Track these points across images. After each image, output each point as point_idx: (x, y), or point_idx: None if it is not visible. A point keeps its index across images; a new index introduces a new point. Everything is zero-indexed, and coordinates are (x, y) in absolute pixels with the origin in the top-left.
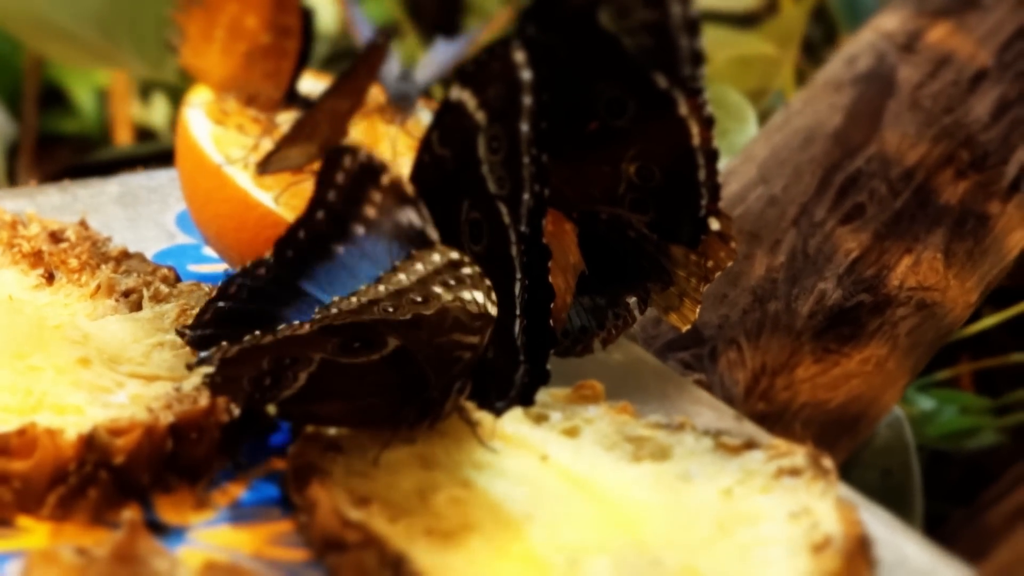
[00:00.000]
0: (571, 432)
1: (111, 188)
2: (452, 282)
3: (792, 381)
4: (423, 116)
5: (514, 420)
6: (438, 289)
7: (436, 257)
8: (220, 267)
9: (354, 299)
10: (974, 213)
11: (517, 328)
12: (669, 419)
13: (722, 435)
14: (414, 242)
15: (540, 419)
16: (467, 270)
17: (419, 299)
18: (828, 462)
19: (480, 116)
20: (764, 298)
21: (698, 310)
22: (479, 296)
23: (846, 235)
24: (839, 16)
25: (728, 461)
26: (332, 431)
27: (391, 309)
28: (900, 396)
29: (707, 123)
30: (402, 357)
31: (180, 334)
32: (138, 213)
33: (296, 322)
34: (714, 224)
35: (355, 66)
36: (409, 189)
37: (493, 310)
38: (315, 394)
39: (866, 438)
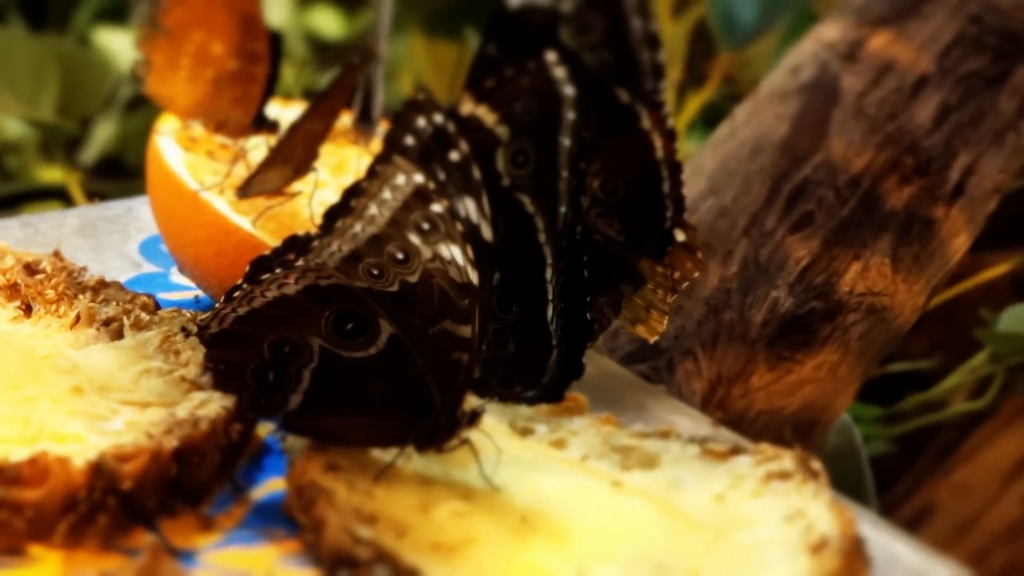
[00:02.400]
0: (558, 444)
1: (71, 220)
2: (426, 226)
3: (748, 389)
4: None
5: (502, 434)
6: (414, 238)
7: (400, 179)
8: (190, 294)
9: (335, 245)
10: (919, 218)
11: (550, 313)
12: (653, 428)
13: (708, 442)
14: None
15: (526, 432)
16: (436, 207)
17: (400, 256)
18: (817, 464)
19: (501, 131)
20: (718, 308)
21: (665, 321)
22: (457, 254)
23: (796, 243)
24: (718, 33)
25: (716, 467)
26: (333, 451)
27: (376, 272)
28: (852, 401)
29: (670, 136)
30: (400, 354)
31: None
32: (101, 244)
33: (279, 270)
34: (679, 236)
35: (331, 87)
36: (476, 175)
37: (473, 276)
38: (321, 403)
39: (817, 444)
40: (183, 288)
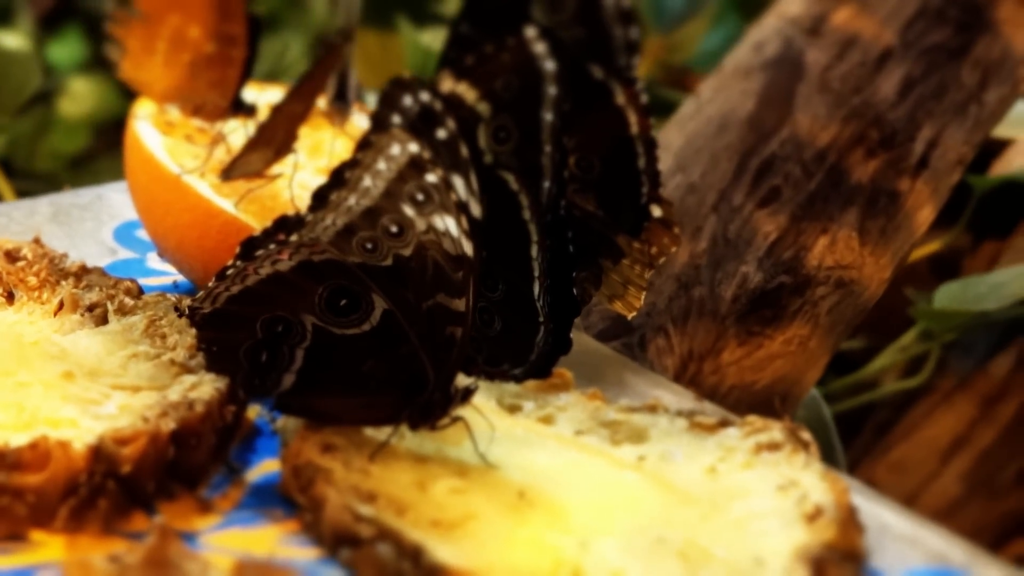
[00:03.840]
0: (546, 420)
1: (43, 208)
2: (420, 196)
3: (719, 365)
4: (358, 120)
5: (491, 412)
6: (409, 210)
7: (395, 149)
8: (168, 279)
9: (330, 219)
10: (885, 191)
11: (537, 289)
12: (640, 402)
13: (695, 415)
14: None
15: (513, 409)
16: (431, 177)
17: (394, 229)
18: (807, 435)
19: (483, 107)
20: (688, 284)
21: (643, 296)
22: (451, 225)
23: (764, 218)
24: (647, 18)
25: (705, 440)
26: (327, 431)
27: (370, 247)
28: (821, 374)
29: (644, 112)
30: (393, 330)
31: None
32: (74, 231)
33: (272, 246)
34: (656, 211)
35: (312, 69)
36: (464, 152)
37: (468, 247)
38: (314, 382)
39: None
40: (161, 273)
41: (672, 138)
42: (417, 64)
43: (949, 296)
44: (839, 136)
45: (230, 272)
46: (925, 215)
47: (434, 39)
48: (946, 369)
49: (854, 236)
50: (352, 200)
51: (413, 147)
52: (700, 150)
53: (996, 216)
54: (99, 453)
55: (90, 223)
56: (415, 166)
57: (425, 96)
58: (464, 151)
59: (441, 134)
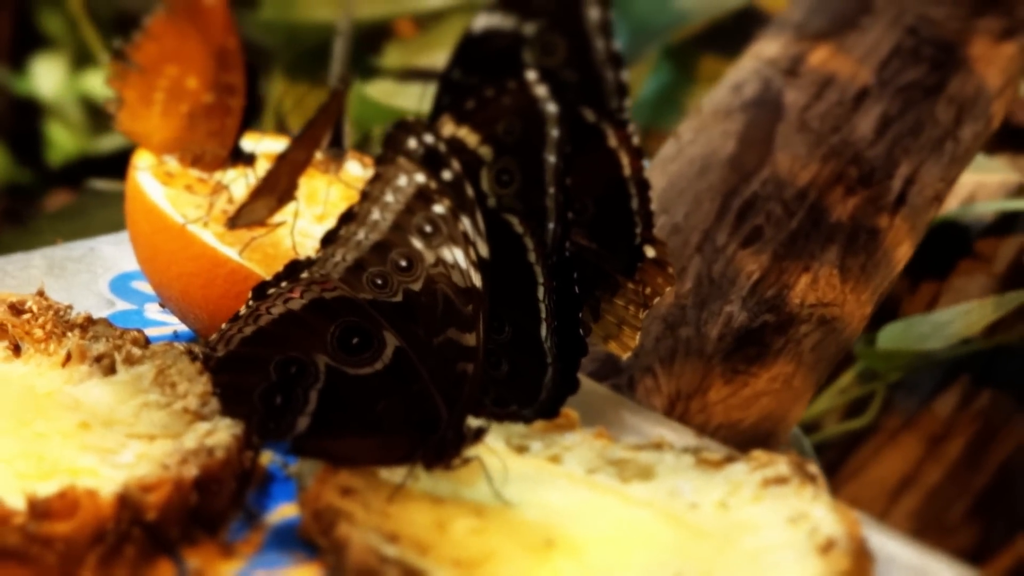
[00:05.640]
0: (554, 460)
1: (36, 261)
2: (428, 228)
3: (706, 404)
4: (352, 167)
5: (500, 452)
6: (417, 243)
7: (403, 180)
8: (168, 330)
9: (339, 253)
10: (865, 228)
11: (544, 331)
12: (646, 440)
13: (701, 451)
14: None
15: (522, 449)
16: (439, 208)
17: (403, 263)
18: (814, 468)
19: (484, 151)
20: (675, 324)
21: (638, 337)
22: (460, 257)
23: (747, 258)
24: None
25: (712, 475)
26: (344, 474)
27: (380, 282)
28: (804, 411)
29: (637, 153)
30: (405, 368)
31: (205, 357)
32: (71, 283)
33: (284, 283)
34: (650, 251)
35: (317, 116)
36: (469, 192)
37: (476, 279)
38: (328, 424)
39: None
40: (159, 324)
41: (655, 180)
42: (363, 116)
43: (893, 336)
44: (819, 175)
45: (242, 313)
46: (904, 251)
47: (376, 91)
48: (891, 409)
49: (835, 274)
50: (361, 234)
51: (420, 177)
52: (683, 191)
53: (934, 257)
54: (125, 501)
55: (85, 275)
56: (422, 197)
57: (429, 138)
58: (470, 192)
59: (446, 176)
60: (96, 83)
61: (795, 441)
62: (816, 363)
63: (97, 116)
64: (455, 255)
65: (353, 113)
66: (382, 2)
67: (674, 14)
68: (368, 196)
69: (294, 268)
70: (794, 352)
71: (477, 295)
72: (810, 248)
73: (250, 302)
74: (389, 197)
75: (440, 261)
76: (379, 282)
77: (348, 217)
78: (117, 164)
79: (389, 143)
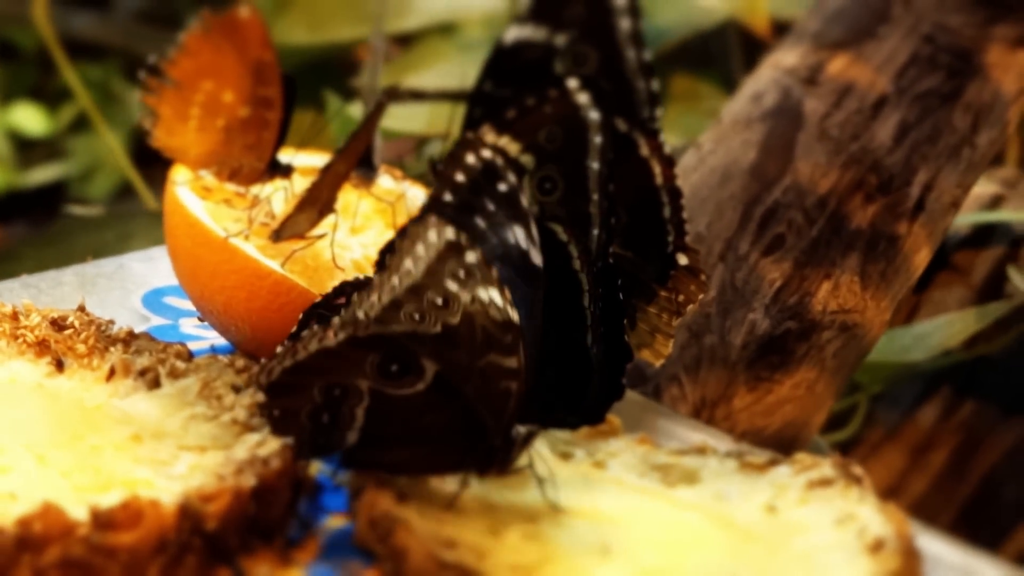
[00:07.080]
0: (599, 466)
1: (67, 278)
2: (462, 274)
3: (731, 411)
4: (384, 181)
5: (546, 459)
6: (452, 286)
7: (432, 235)
8: (204, 344)
9: (375, 297)
10: (884, 235)
11: (590, 339)
12: (688, 445)
13: (745, 455)
14: (518, 266)
15: (566, 456)
16: (471, 257)
17: (439, 302)
18: (858, 469)
19: (526, 159)
20: (699, 333)
21: (671, 344)
22: (496, 296)
23: (769, 266)
24: None
25: (757, 479)
26: (398, 482)
27: (417, 317)
28: (826, 416)
29: (668, 162)
30: (447, 388)
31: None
32: (104, 300)
33: (317, 327)
34: (682, 259)
35: (359, 129)
36: (524, 202)
37: (514, 314)
38: (378, 438)
39: None
40: (194, 339)
41: None
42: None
43: (874, 348)
44: (839, 182)
45: (280, 349)
46: (922, 257)
47: (359, 112)
48: (874, 421)
49: (856, 280)
50: (395, 280)
51: (450, 233)
52: (705, 201)
53: None
54: (186, 511)
55: (118, 291)
56: (454, 249)
57: (487, 153)
58: (524, 202)
59: (502, 188)
60: (24, 117)
61: (813, 444)
62: (838, 369)
63: (24, 150)
64: (491, 294)
65: (337, 133)
66: (361, 24)
67: (650, 32)
68: (398, 249)
69: (342, 290)
70: (817, 358)
71: (515, 328)
72: (831, 255)
73: (287, 341)
74: (420, 250)
75: (476, 299)
76: (417, 317)
77: (380, 267)
78: (45, 198)
79: (451, 159)
